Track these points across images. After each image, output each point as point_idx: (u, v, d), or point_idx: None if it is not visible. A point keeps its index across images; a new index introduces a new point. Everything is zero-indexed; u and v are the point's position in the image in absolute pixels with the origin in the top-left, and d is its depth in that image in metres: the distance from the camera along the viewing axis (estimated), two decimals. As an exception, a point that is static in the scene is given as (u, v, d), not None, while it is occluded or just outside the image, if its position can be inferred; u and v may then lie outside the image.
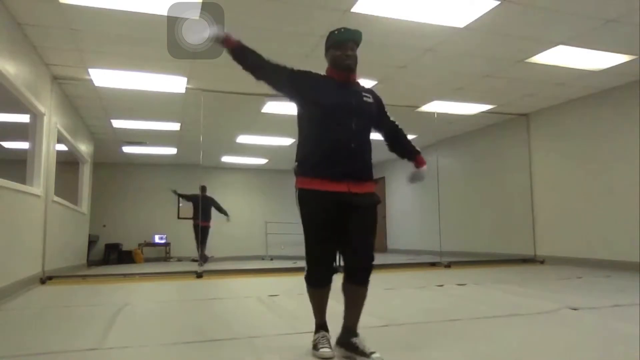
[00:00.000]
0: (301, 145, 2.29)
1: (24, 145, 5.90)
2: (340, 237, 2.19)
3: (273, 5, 4.12)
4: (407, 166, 2.55)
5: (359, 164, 2.21)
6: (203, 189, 9.71)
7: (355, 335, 2.16)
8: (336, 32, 2.28)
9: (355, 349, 2.09)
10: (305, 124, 2.29)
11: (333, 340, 2.21)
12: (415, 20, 4.44)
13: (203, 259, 9.29)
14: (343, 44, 2.26)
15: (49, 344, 2.53)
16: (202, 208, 9.30)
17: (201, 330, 2.87)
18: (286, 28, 4.61)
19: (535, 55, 5.33)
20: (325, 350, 2.12)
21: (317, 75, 2.29)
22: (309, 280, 2.25)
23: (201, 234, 9.35)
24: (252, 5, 4.11)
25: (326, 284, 2.21)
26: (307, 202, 2.20)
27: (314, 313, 2.28)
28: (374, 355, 2.04)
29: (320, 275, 2.22)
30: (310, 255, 2.21)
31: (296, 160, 2.27)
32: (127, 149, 10.47)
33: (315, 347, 2.17)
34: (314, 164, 2.20)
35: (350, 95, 2.26)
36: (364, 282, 2.17)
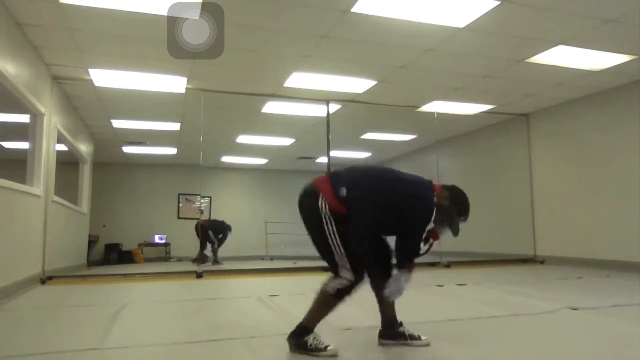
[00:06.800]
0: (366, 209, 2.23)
1: (24, 145, 5.89)
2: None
3: (273, 5, 4.12)
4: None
5: None
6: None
7: (401, 324, 2.38)
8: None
9: (409, 336, 2.34)
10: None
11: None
12: (415, 20, 4.43)
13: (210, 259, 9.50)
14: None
15: (49, 344, 2.53)
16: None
17: (201, 330, 2.87)
18: (286, 28, 4.60)
19: (535, 55, 5.32)
20: (332, 348, 2.15)
21: None
22: (346, 293, 2.20)
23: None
24: (252, 5, 4.11)
25: None
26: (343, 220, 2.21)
27: (317, 321, 2.25)
28: (423, 338, 2.33)
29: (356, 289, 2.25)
30: (361, 271, 2.22)
31: (345, 190, 2.22)
32: (127, 149, 10.47)
33: (317, 349, 2.16)
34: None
35: None
36: None
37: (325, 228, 2.21)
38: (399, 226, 2.26)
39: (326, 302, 2.25)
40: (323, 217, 2.21)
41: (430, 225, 2.27)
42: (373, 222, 2.23)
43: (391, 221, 2.26)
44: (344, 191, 2.20)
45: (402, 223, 2.25)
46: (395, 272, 2.30)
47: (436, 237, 2.35)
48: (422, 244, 2.31)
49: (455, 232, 2.29)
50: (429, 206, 2.25)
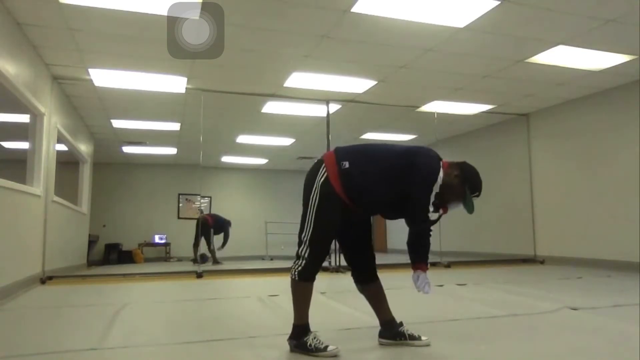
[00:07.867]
0: (368, 179, 2.25)
1: (24, 145, 5.89)
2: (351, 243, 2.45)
3: (273, 5, 4.12)
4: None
5: None
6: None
7: (401, 324, 2.39)
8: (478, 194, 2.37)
9: (408, 336, 2.34)
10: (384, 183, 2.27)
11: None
12: (415, 20, 4.44)
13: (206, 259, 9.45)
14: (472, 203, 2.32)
15: (49, 344, 2.53)
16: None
17: (201, 330, 2.87)
18: (286, 28, 4.61)
19: (535, 55, 5.33)
20: (333, 348, 2.15)
21: None
22: (307, 274, 2.23)
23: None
24: (252, 5, 4.11)
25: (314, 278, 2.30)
26: (331, 200, 2.21)
27: (302, 312, 2.26)
28: (423, 338, 2.33)
29: (317, 270, 2.27)
30: (316, 250, 2.23)
31: (348, 163, 2.24)
32: (127, 149, 10.47)
33: (317, 349, 2.16)
34: (356, 194, 2.24)
35: None
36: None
37: (310, 199, 2.25)
38: (403, 198, 2.27)
39: (297, 290, 2.27)
40: (314, 188, 2.25)
41: (435, 191, 2.28)
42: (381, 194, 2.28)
43: (394, 193, 2.27)
44: (346, 164, 2.24)
45: (405, 194, 2.25)
46: (413, 273, 2.43)
47: (445, 210, 2.37)
48: (431, 209, 2.31)
49: (470, 209, 2.30)
50: (430, 173, 2.27)
